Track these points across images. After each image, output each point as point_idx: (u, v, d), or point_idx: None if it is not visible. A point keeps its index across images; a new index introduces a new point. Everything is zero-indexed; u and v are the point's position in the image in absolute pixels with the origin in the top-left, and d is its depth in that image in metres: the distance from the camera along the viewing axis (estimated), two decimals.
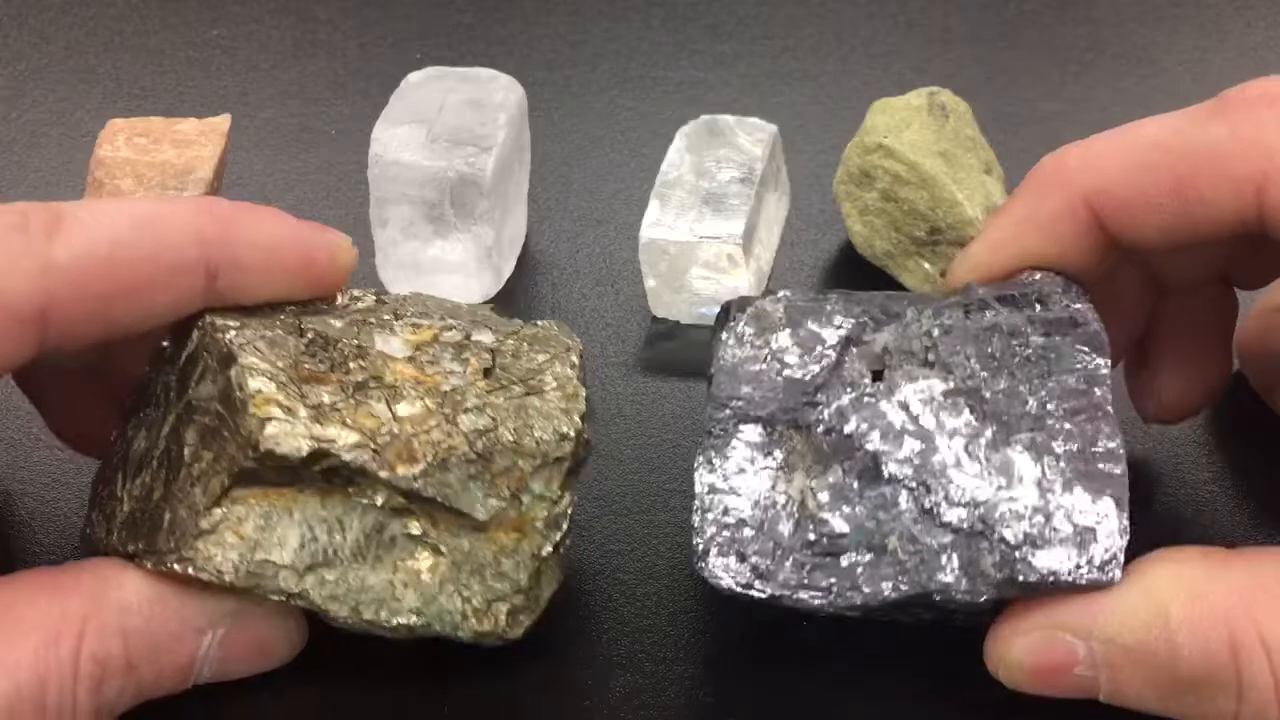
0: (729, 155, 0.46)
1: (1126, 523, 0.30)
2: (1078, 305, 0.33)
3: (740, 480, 0.33)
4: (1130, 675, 0.30)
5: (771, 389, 0.33)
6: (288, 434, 0.30)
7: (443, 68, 0.47)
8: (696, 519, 0.32)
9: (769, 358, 0.34)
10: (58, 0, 0.61)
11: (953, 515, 0.31)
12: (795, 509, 0.32)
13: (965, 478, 0.31)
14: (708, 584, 0.32)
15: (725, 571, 0.32)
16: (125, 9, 0.61)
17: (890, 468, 0.32)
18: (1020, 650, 0.31)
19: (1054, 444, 0.31)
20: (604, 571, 0.37)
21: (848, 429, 0.32)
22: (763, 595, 0.32)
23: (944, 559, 0.31)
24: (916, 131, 0.45)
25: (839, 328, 0.34)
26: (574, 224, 0.50)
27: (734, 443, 0.33)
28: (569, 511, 0.33)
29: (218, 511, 0.30)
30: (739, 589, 0.32)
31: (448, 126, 0.44)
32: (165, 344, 0.33)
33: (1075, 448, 0.31)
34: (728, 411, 0.33)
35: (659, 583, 0.37)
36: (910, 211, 0.45)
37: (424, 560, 0.32)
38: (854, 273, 0.47)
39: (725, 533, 0.32)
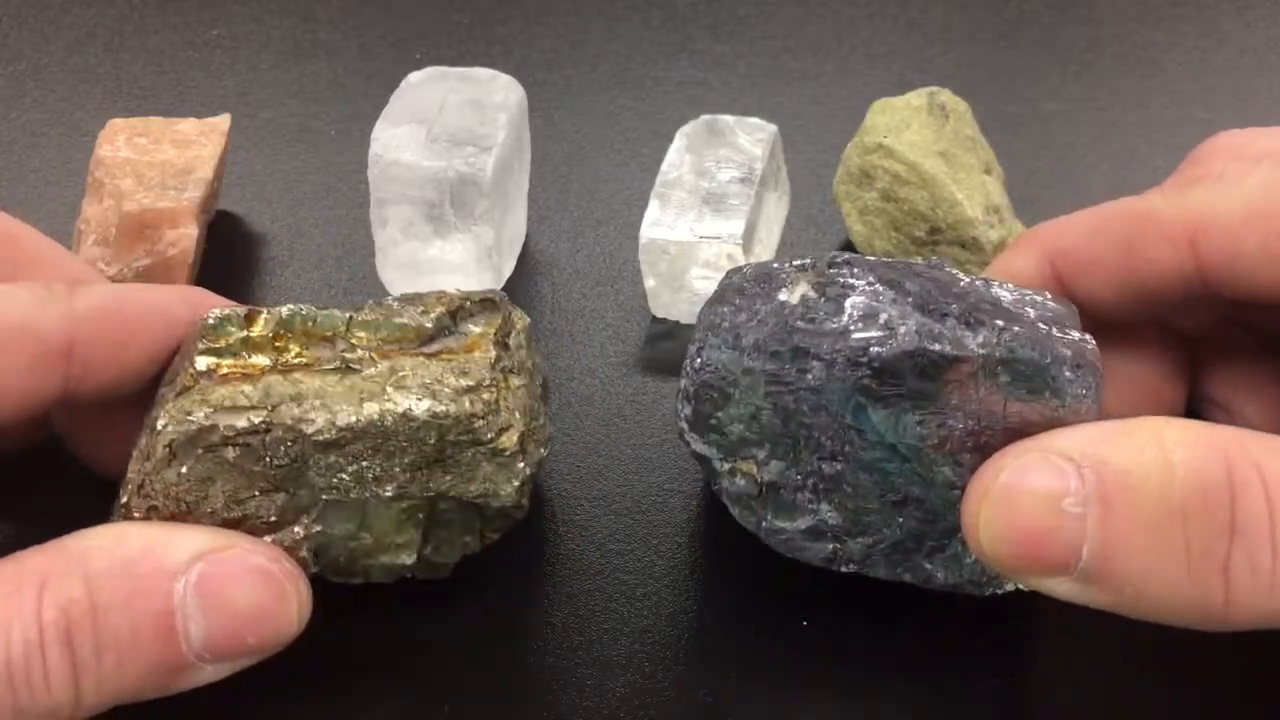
0: (729, 155, 0.46)
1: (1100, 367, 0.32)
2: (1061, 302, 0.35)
3: (740, 300, 0.34)
4: (1121, 507, 0.28)
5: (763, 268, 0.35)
6: (227, 309, 0.34)
7: (443, 68, 0.47)
8: (693, 337, 0.34)
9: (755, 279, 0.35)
10: (58, 0, 0.61)
11: (945, 307, 0.32)
12: (793, 305, 0.33)
13: (958, 293, 0.33)
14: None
15: (715, 363, 0.33)
16: (125, 9, 0.61)
17: (890, 276, 0.33)
18: (1008, 477, 0.30)
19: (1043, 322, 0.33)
20: (604, 571, 0.37)
21: (854, 262, 0.34)
22: (752, 375, 0.32)
23: (931, 329, 0.31)
24: (916, 131, 0.45)
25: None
26: (574, 224, 0.50)
27: (733, 296, 0.34)
28: (527, 358, 0.36)
29: (184, 398, 0.32)
30: (727, 372, 0.33)
31: (448, 126, 0.44)
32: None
33: (1061, 335, 0.33)
34: (740, 277, 0.35)
35: (659, 583, 0.37)
36: (910, 211, 0.45)
37: (388, 376, 0.33)
38: None
39: (723, 323, 0.33)
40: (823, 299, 0.33)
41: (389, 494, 0.33)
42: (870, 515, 0.33)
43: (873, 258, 0.34)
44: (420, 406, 0.32)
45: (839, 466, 0.33)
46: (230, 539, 0.31)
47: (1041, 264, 0.36)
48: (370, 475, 0.32)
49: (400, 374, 0.33)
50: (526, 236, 0.49)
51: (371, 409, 0.32)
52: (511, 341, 0.36)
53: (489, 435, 0.33)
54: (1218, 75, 0.57)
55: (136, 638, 0.29)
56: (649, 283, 0.45)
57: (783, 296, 0.33)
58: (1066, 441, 0.30)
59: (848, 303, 0.32)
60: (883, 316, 0.32)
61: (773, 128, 0.47)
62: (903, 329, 0.31)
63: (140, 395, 0.35)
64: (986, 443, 0.31)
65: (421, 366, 0.33)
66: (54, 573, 0.29)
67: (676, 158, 0.46)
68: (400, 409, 0.32)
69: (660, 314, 0.46)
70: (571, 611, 0.36)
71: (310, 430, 0.32)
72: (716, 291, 0.35)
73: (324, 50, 0.59)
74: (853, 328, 0.32)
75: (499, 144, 0.44)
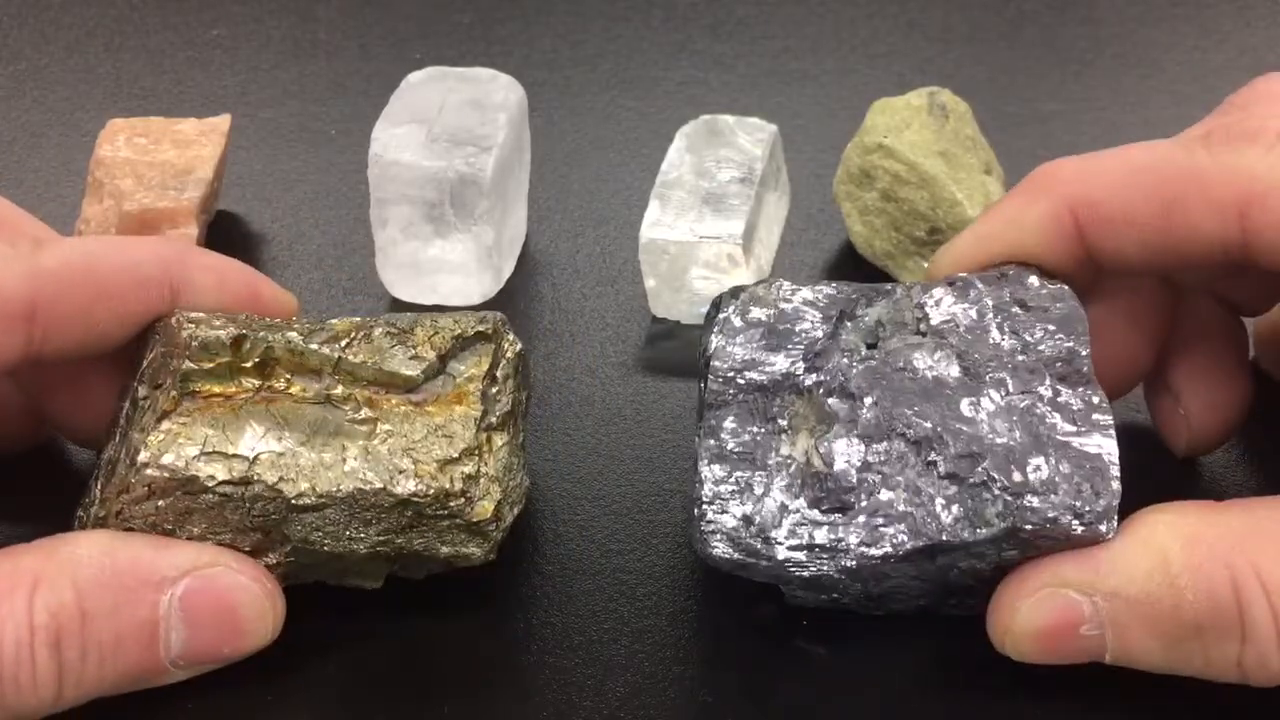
0: (729, 155, 0.46)
1: (1119, 476, 0.31)
2: (1054, 285, 0.34)
3: (744, 446, 0.33)
4: (1136, 628, 0.30)
5: (770, 360, 0.34)
6: (215, 330, 0.33)
7: (443, 68, 0.47)
8: (698, 486, 0.33)
9: (765, 333, 0.34)
10: (58, 0, 0.61)
11: (954, 466, 0.31)
12: (799, 468, 0.32)
13: (965, 430, 0.32)
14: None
15: (726, 540, 0.32)
16: (125, 9, 0.61)
17: (893, 419, 0.32)
18: (1026, 614, 0.31)
19: (1046, 404, 0.32)
20: (604, 571, 0.37)
21: (850, 387, 0.33)
22: (767, 562, 0.32)
23: (947, 510, 0.31)
24: (916, 131, 0.45)
25: (832, 304, 0.34)
26: (574, 224, 0.50)
27: (735, 411, 0.33)
28: (512, 393, 0.35)
29: (166, 424, 0.32)
30: (742, 557, 0.32)
31: (448, 126, 0.44)
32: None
33: (1066, 407, 0.32)
34: (725, 382, 0.34)
35: (659, 583, 0.37)
36: (910, 211, 0.45)
37: (372, 436, 0.33)
38: (854, 273, 0.47)
39: (731, 497, 0.32)
40: (829, 473, 0.32)
41: (362, 551, 0.33)
42: (893, 603, 0.34)
43: (859, 321, 0.34)
44: (399, 483, 0.32)
45: (865, 589, 0.33)
46: (215, 555, 0.32)
47: (1060, 213, 0.33)
48: (345, 535, 0.33)
49: (383, 432, 0.33)
50: (526, 236, 0.49)
51: (353, 480, 0.32)
52: (500, 373, 0.35)
53: (466, 510, 0.33)
54: (1218, 75, 0.57)
55: (120, 644, 0.31)
56: (649, 283, 0.45)
57: (785, 452, 0.33)
58: (1076, 573, 0.31)
59: (860, 481, 0.32)
60: (900, 498, 0.31)
61: (773, 128, 0.47)
62: (920, 514, 0.31)
63: (112, 359, 0.35)
64: (1006, 563, 0.32)
65: (405, 424, 0.33)
66: (45, 576, 0.30)
67: (676, 158, 0.46)
68: (380, 484, 0.32)
69: (660, 314, 0.46)
70: (571, 611, 0.36)
71: (291, 493, 0.32)
72: (713, 373, 0.34)
73: (324, 50, 0.59)
74: (871, 523, 0.32)
75: (499, 144, 0.44)
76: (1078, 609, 0.30)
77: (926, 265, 0.45)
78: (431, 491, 0.33)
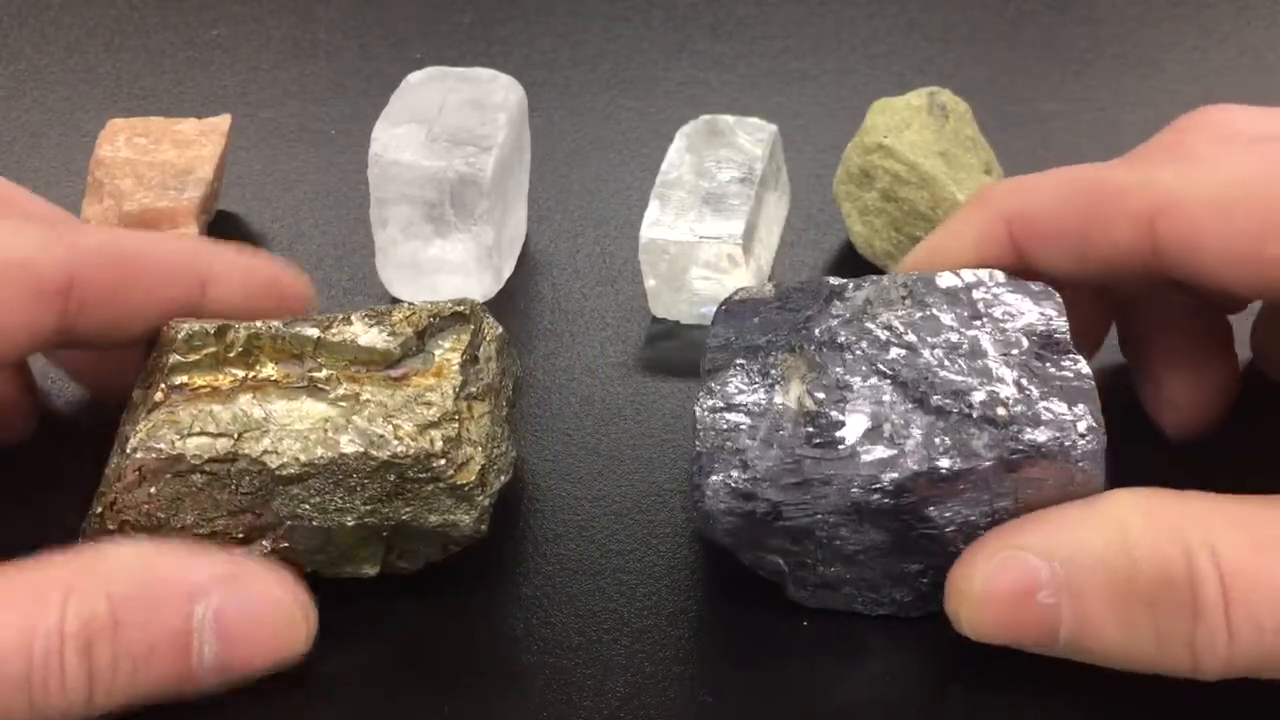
0: (729, 155, 0.46)
1: (1103, 427, 0.32)
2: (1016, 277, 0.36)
3: (739, 398, 0.34)
4: (1091, 596, 0.30)
5: (764, 326, 0.35)
6: (200, 323, 0.35)
7: (443, 68, 0.47)
8: (698, 442, 0.33)
9: (761, 308, 0.36)
10: (58, 0, 0.61)
11: (944, 403, 0.32)
12: (792, 413, 0.33)
13: (950, 375, 0.33)
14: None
15: (725, 489, 0.32)
16: (125, 9, 0.61)
17: (880, 365, 0.33)
18: (983, 576, 0.31)
19: (1026, 366, 0.33)
20: (604, 571, 0.37)
21: (839, 340, 0.34)
22: (764, 507, 0.32)
23: (937, 440, 0.32)
24: (916, 131, 0.45)
25: (823, 286, 0.36)
26: (574, 224, 0.50)
27: (731, 370, 0.34)
28: (495, 372, 0.36)
29: (155, 414, 0.33)
30: (738, 504, 0.32)
31: (448, 126, 0.44)
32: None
33: (1046, 369, 0.33)
34: (722, 344, 0.35)
35: (659, 583, 0.37)
36: (910, 211, 0.45)
37: (353, 409, 0.33)
38: (854, 273, 0.47)
39: (727, 443, 0.33)
40: (821, 410, 0.33)
41: (350, 524, 0.33)
42: (890, 588, 0.35)
43: (848, 300, 0.35)
44: (380, 446, 0.33)
45: (859, 557, 0.34)
46: (247, 566, 0.32)
47: (995, 226, 0.36)
48: (332, 506, 0.33)
49: (363, 402, 0.34)
50: (526, 236, 0.49)
51: (334, 447, 0.33)
52: (481, 354, 0.36)
53: (449, 472, 0.33)
54: (1218, 75, 0.57)
55: (152, 654, 0.31)
56: (649, 283, 0.45)
57: (778, 400, 0.33)
58: (1035, 537, 0.31)
59: (849, 416, 0.33)
60: (886, 428, 0.32)
61: (773, 128, 0.47)
62: (910, 444, 0.32)
63: (139, 345, 0.36)
64: (998, 513, 0.32)
65: (385, 394, 0.34)
66: (78, 585, 0.30)
67: (676, 158, 0.46)
68: (361, 448, 0.33)
69: (660, 314, 0.46)
70: (572, 611, 0.36)
71: (274, 464, 0.33)
72: (709, 349, 0.35)
73: (324, 50, 0.59)
74: (861, 451, 0.32)
75: (499, 144, 0.44)
76: (1034, 572, 0.31)
77: None
78: (412, 453, 0.33)
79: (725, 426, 0.33)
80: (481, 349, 0.36)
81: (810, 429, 0.33)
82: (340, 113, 0.55)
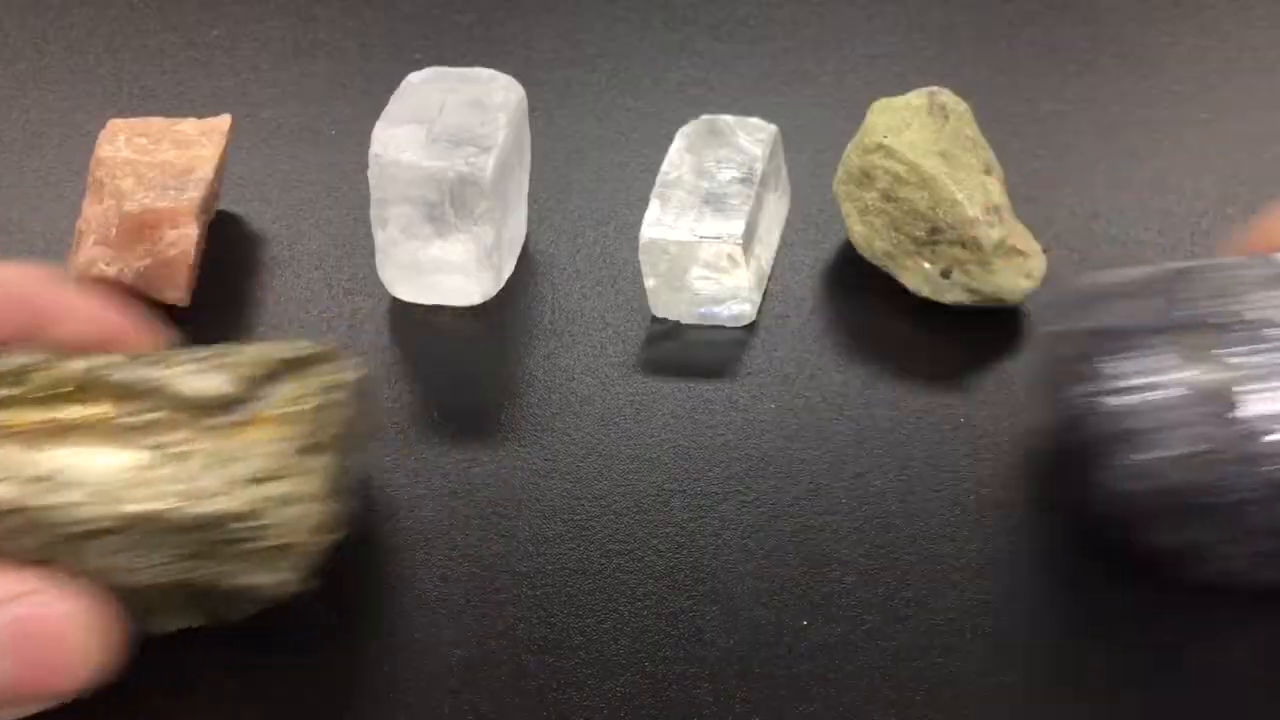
0: (729, 155, 0.46)
1: None
2: None
3: (1161, 376, 0.34)
4: None
5: (1142, 310, 0.35)
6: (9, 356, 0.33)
7: (443, 68, 0.47)
8: (1128, 419, 0.34)
9: (1119, 294, 0.37)
10: (57, 0, 0.61)
11: None
12: (1215, 389, 0.33)
13: None
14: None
15: (1157, 465, 0.33)
16: (125, 9, 0.61)
17: None
18: None
19: None
20: (604, 571, 0.37)
21: (1248, 317, 0.34)
22: (1207, 479, 0.33)
23: None
24: (916, 131, 0.45)
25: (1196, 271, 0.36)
26: (574, 224, 0.50)
27: (1147, 349, 0.34)
28: (330, 423, 0.34)
29: None
30: (1173, 478, 0.33)
31: (448, 127, 0.44)
32: None
33: None
34: (1119, 326, 0.35)
35: (659, 583, 0.37)
36: (910, 211, 0.45)
37: (158, 459, 0.31)
38: (854, 272, 0.47)
39: (1159, 419, 0.33)
40: (1241, 390, 0.33)
41: (144, 582, 0.31)
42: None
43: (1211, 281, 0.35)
44: (187, 506, 0.31)
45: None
46: (44, 582, 0.30)
47: None
48: (133, 563, 0.31)
49: (174, 452, 0.32)
50: (526, 236, 0.49)
51: (125, 505, 0.31)
52: (324, 402, 0.34)
53: (250, 537, 0.31)
54: (1218, 75, 0.57)
55: None
56: (649, 283, 0.45)
57: (1202, 376, 0.33)
58: None
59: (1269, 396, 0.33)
60: None
61: (773, 128, 0.47)
62: None
63: None
64: None
65: (196, 444, 0.32)
66: None
67: (676, 158, 0.46)
68: (163, 506, 0.31)
69: (660, 314, 0.46)
70: (571, 611, 0.36)
71: (59, 520, 0.30)
72: (1105, 331, 0.35)
73: (324, 50, 0.59)
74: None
75: (499, 144, 0.44)
76: None
77: (927, 266, 0.45)
78: (210, 512, 0.31)
79: (1155, 403, 0.33)
80: (325, 397, 0.34)
81: (1231, 410, 0.33)
82: (340, 113, 0.55)
